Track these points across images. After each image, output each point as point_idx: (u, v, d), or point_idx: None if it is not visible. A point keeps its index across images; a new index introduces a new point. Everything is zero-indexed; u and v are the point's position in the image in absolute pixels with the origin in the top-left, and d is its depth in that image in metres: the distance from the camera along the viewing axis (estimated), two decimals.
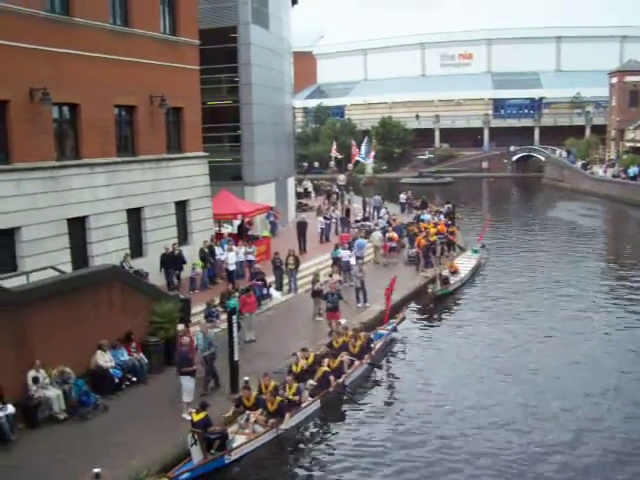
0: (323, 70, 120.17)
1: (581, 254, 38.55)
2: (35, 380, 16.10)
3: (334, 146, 55.90)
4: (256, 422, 15.93)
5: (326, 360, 18.99)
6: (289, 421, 16.23)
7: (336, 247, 30.32)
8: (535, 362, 20.89)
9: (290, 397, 16.86)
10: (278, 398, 16.33)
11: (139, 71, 24.38)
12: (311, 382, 18.17)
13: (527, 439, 15.79)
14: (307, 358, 18.76)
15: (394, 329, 23.43)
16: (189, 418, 15.42)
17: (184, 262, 25.41)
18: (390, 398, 18.84)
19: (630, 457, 15.02)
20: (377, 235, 34.84)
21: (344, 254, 29.42)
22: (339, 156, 58.16)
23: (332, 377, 18.24)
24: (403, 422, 16.93)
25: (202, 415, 14.87)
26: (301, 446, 16.01)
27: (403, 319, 24.46)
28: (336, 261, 29.31)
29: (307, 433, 16.55)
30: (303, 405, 17.13)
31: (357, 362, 19.86)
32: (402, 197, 53.31)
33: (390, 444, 15.78)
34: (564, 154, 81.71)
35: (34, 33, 20.10)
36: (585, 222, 51.74)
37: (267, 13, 39.25)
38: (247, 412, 16.18)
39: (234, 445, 15.05)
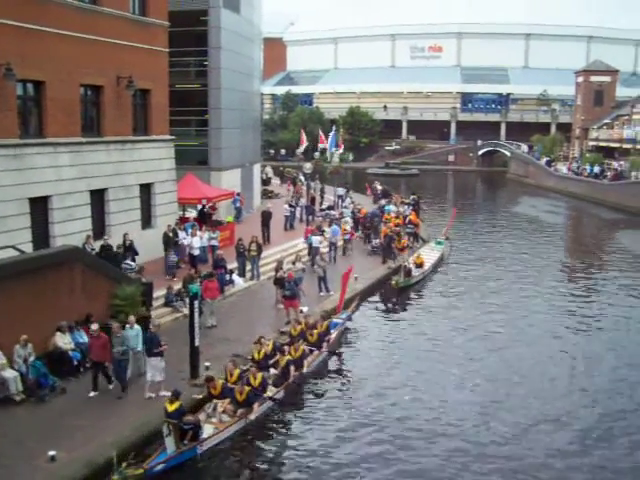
0: (293, 57, 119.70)
1: (542, 250, 39.12)
2: None
3: (303, 137, 55.59)
4: (224, 412, 15.88)
5: (287, 348, 19.06)
6: (256, 411, 16.26)
7: (311, 233, 31.03)
8: (492, 352, 21.26)
9: (257, 387, 16.77)
10: (247, 388, 16.27)
11: (107, 51, 24.04)
12: (274, 372, 18.23)
13: (482, 419, 16.15)
14: (267, 345, 18.82)
15: (349, 318, 23.64)
16: (152, 395, 15.36)
17: (136, 253, 24.53)
18: (350, 386, 18.94)
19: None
20: (348, 222, 35.85)
21: (314, 240, 30.08)
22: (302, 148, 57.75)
23: (293, 367, 18.26)
24: (364, 409, 17.13)
25: (177, 405, 14.62)
26: (267, 435, 16.02)
27: (357, 308, 24.76)
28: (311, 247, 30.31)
29: (272, 422, 16.59)
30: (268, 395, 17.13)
31: (316, 351, 19.95)
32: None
33: (353, 431, 15.97)
34: (525, 149, 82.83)
35: None
36: (547, 218, 52.55)
37: None
38: (214, 400, 16.10)
39: (204, 434, 14.99)
